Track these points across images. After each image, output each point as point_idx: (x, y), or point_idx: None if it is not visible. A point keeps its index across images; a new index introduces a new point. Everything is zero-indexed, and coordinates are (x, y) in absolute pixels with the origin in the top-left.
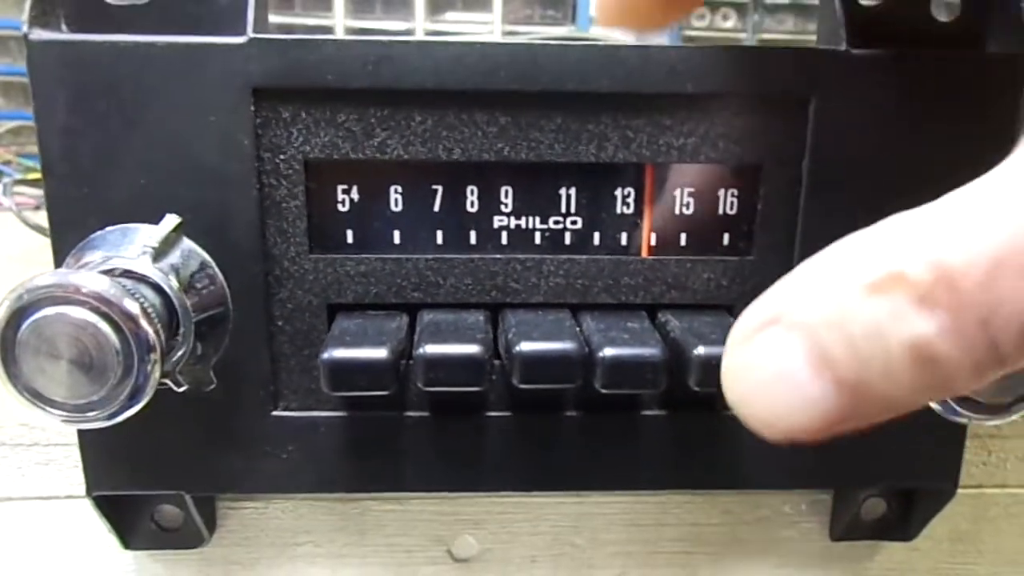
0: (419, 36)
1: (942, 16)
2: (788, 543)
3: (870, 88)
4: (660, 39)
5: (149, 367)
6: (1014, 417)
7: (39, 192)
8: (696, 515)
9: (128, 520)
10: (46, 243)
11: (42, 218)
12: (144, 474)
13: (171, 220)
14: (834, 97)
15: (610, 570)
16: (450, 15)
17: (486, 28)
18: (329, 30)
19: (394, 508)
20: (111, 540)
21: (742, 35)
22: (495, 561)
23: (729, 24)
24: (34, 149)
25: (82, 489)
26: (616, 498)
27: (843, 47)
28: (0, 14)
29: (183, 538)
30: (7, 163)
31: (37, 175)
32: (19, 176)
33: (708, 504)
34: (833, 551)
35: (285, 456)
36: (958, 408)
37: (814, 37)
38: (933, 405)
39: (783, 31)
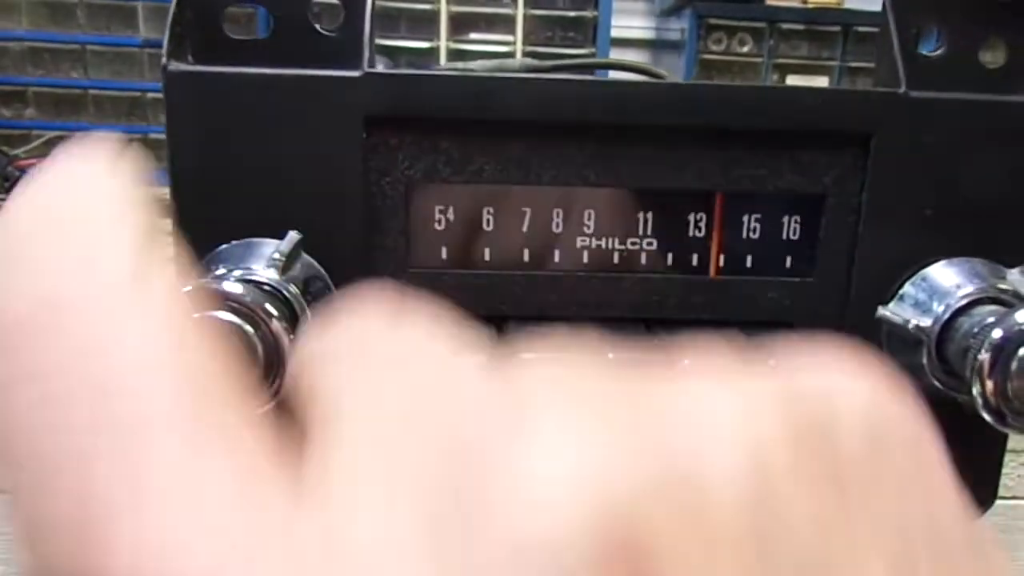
0: (443, 57)
1: (991, 64)
2: None
3: (925, 128)
4: (679, 66)
5: (284, 368)
6: None
7: None
8: None
9: None
10: None
11: None
12: None
13: (294, 236)
14: (893, 135)
15: None
16: (473, 35)
17: (507, 48)
18: None
19: None
20: None
21: (758, 60)
22: None
23: (746, 49)
24: None
25: None
26: None
27: (902, 90)
28: (34, 27)
29: None
30: None
31: None
32: None
33: None
34: None
35: None
36: (1012, 420)
37: (827, 63)
38: (989, 418)
39: (797, 56)
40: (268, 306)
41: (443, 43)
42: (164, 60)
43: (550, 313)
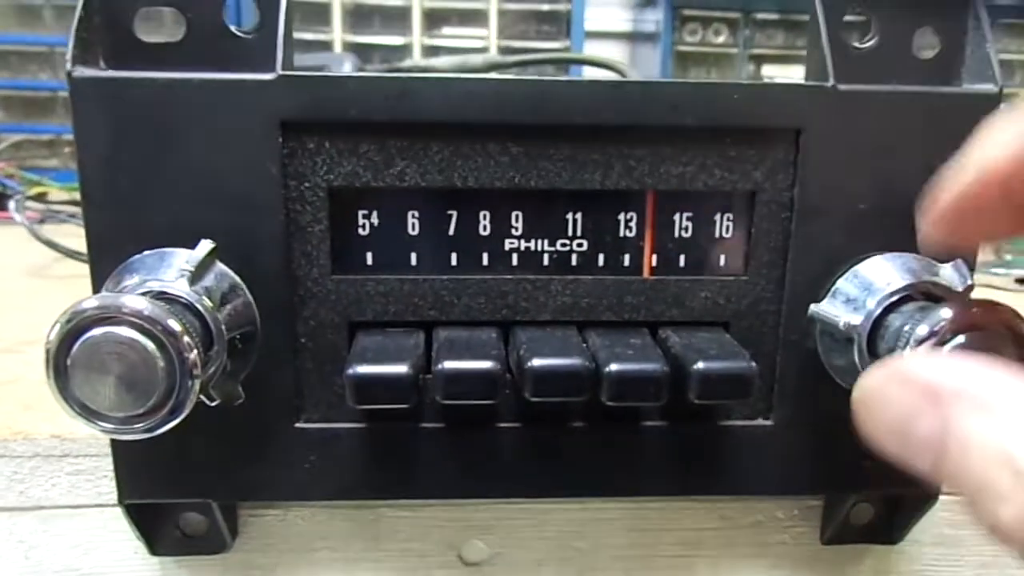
0: (417, 52)
1: (924, 54)
2: (781, 547)
3: (855, 121)
4: (655, 58)
5: (190, 383)
6: None
7: (43, 207)
8: (694, 521)
9: (155, 527)
10: (57, 257)
11: (51, 232)
12: (173, 483)
13: (205, 245)
14: (822, 129)
15: (612, 573)
16: (446, 30)
17: (481, 43)
18: (328, 45)
19: (407, 515)
20: (138, 546)
21: (733, 50)
22: (503, 565)
23: (721, 39)
24: (36, 162)
25: (111, 498)
26: (618, 504)
27: (830, 83)
28: (1, 29)
29: (207, 544)
30: (10, 176)
31: (42, 189)
32: (22, 189)
33: (706, 510)
34: (823, 554)
35: (307, 465)
36: None
37: (803, 52)
38: None
39: (773, 46)
40: (171, 322)
41: (416, 39)
42: (69, 66)
43: (479, 318)
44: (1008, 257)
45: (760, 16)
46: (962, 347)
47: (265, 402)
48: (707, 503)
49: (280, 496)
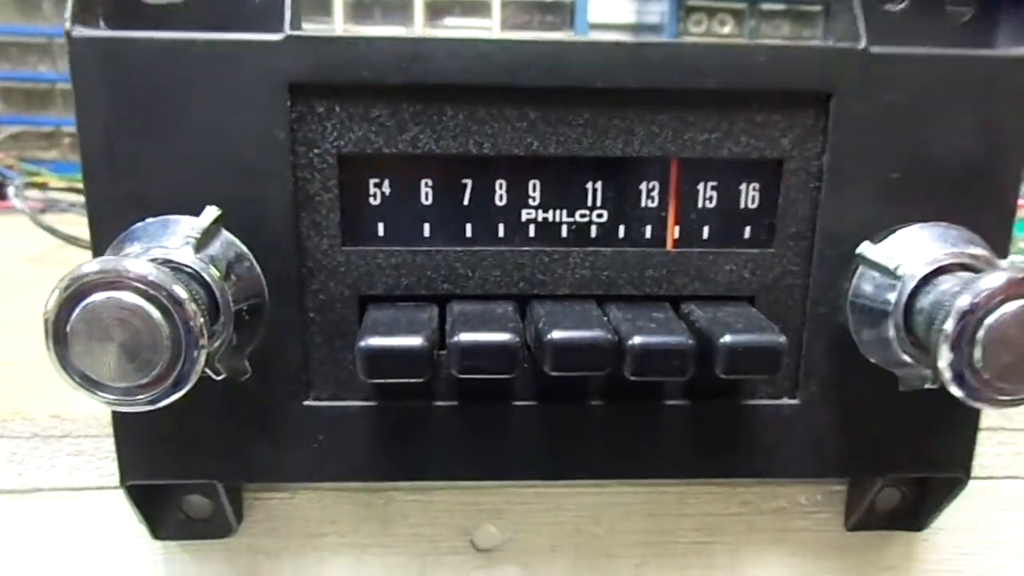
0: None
1: (957, 18)
2: (803, 533)
3: (889, 85)
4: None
5: (196, 353)
6: None
7: (44, 196)
8: (714, 505)
9: (158, 510)
10: (59, 244)
11: (52, 220)
12: (177, 464)
13: (211, 212)
14: (853, 94)
15: (629, 559)
16: (449, 20)
17: (484, 35)
18: None
19: (417, 498)
20: (140, 530)
21: (739, 41)
22: (516, 551)
23: (726, 30)
24: (36, 154)
25: (112, 480)
26: (635, 488)
27: (862, 45)
28: (1, 20)
29: (212, 528)
30: (9, 167)
31: (41, 179)
32: (21, 178)
33: (726, 495)
34: (848, 541)
35: (315, 445)
36: (981, 394)
37: (811, 43)
38: (958, 392)
39: (779, 36)
40: (177, 288)
41: (419, 31)
42: (68, 25)
43: (495, 291)
44: None
45: (766, 7)
46: (1007, 319)
47: (272, 379)
48: (727, 487)
49: (287, 477)
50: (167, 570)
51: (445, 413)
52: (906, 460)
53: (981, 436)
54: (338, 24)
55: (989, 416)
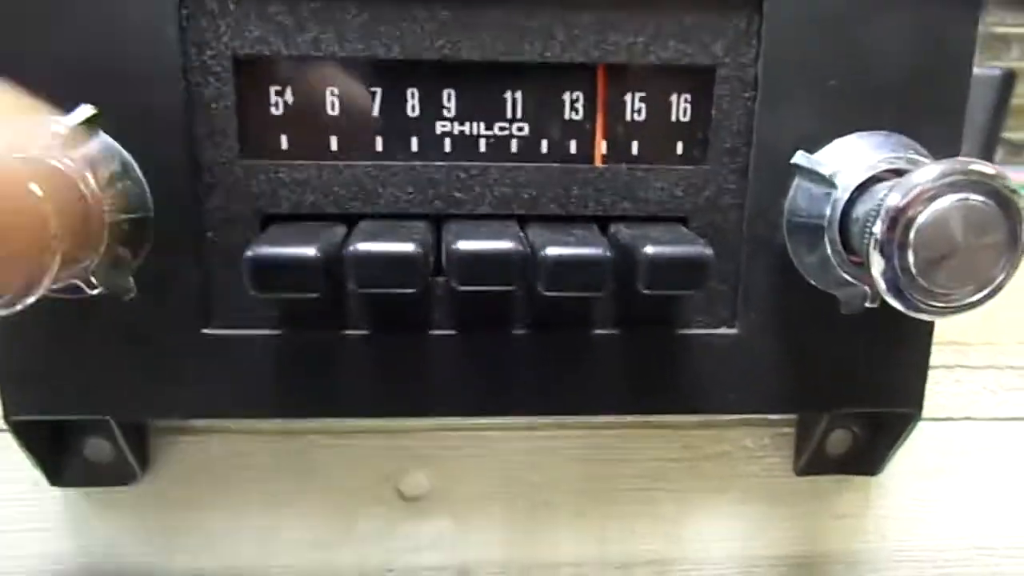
0: None
1: None
2: (751, 479)
3: None
4: None
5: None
6: (969, 308)
7: None
8: (656, 450)
9: (55, 453)
10: None
11: None
12: (66, 398)
13: (85, 110)
14: None
15: (568, 508)
16: None
17: None
18: None
19: (338, 442)
20: (38, 478)
21: None
22: (446, 500)
23: None
24: None
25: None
26: (569, 431)
27: None
28: None
29: (114, 474)
30: None
31: None
32: None
33: (667, 438)
34: (797, 486)
35: (217, 378)
36: (920, 302)
37: None
38: (894, 302)
39: None
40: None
41: None
42: None
43: (408, 210)
44: None
45: None
46: (940, 215)
47: (168, 305)
48: (668, 430)
49: (187, 413)
50: (68, 520)
51: (357, 343)
52: (854, 394)
53: (936, 375)
54: None
55: (943, 352)
